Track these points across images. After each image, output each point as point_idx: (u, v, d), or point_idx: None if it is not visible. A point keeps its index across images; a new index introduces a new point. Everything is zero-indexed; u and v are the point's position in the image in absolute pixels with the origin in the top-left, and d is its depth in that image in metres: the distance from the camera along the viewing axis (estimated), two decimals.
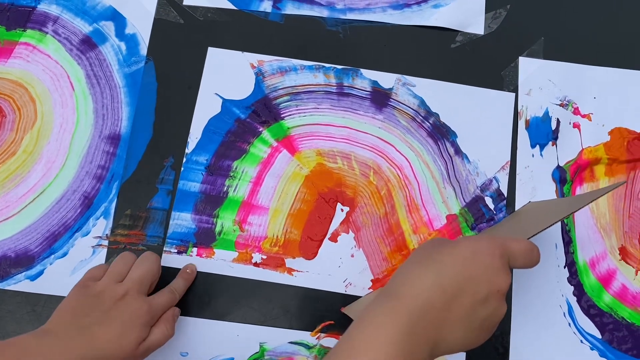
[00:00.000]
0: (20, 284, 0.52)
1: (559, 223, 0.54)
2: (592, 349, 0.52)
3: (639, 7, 0.61)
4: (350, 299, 0.52)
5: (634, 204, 0.55)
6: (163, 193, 0.54)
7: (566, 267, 0.54)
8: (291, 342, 0.51)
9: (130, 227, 0.53)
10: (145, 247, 0.53)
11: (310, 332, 0.51)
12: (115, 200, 0.54)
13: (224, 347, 0.51)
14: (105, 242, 0.53)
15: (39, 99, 0.56)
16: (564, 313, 0.53)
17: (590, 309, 0.53)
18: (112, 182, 0.54)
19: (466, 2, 0.60)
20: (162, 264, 0.52)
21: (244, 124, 0.56)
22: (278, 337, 0.51)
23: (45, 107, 0.56)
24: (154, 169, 0.55)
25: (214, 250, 0.53)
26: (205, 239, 0.53)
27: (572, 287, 0.53)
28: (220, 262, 0.53)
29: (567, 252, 0.54)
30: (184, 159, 0.55)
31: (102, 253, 0.53)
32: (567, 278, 0.53)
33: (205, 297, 0.52)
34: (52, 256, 0.52)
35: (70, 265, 0.52)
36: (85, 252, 0.53)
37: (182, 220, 0.54)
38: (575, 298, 0.53)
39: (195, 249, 0.53)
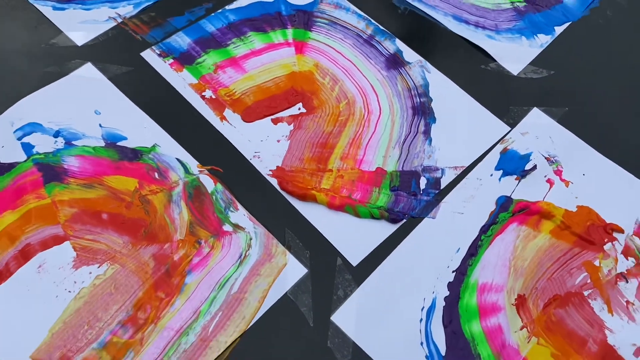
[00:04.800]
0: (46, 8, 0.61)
1: (477, 232, 0.50)
2: (427, 357, 0.45)
3: None
4: (248, 166, 0.53)
5: (560, 274, 0.49)
6: (185, 18, 0.62)
7: (454, 273, 0.48)
8: (177, 159, 0.52)
9: (145, 22, 0.61)
10: (142, 39, 0.60)
11: (198, 164, 0.52)
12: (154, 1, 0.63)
13: (128, 125, 0.54)
14: (119, 20, 0.61)
15: None
16: (423, 307, 0.47)
17: (451, 324, 0.46)
18: None
19: (519, 50, 0.63)
20: (145, 57, 0.58)
21: (280, 17, 0.63)
22: (172, 148, 0.53)
23: None
24: (193, 2, 0.63)
25: (184, 69, 0.58)
26: (184, 59, 0.59)
27: (448, 292, 0.48)
28: (180, 79, 0.57)
29: (464, 261, 0.49)
30: (220, 10, 0.63)
31: (109, 26, 0.60)
32: (449, 283, 0.48)
33: (146, 90, 0.56)
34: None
35: (81, 17, 0.61)
36: (102, 15, 0.61)
37: (181, 40, 0.60)
38: (444, 304, 0.47)
39: (172, 60, 0.58)
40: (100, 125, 0.54)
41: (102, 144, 0.53)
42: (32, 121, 0.53)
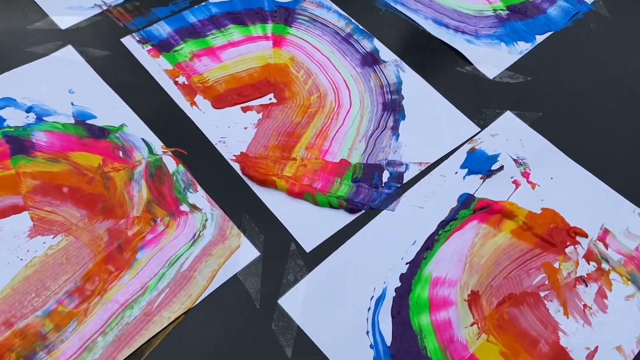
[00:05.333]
0: None
1: (435, 227, 0.50)
2: (371, 347, 0.44)
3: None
4: (213, 150, 0.53)
5: (518, 273, 0.48)
6: (168, 9, 0.63)
7: (408, 265, 0.48)
8: (143, 139, 0.53)
9: (129, 11, 0.63)
10: (124, 26, 0.61)
11: (163, 145, 0.53)
12: None
13: (99, 105, 0.55)
14: (104, 7, 0.63)
15: None
16: (373, 297, 0.46)
17: (400, 315, 0.45)
18: None
19: (497, 55, 0.63)
20: (125, 43, 0.60)
21: (261, 12, 0.64)
22: (140, 130, 0.53)
23: None
24: None
25: (161, 56, 0.59)
26: (162, 47, 0.60)
27: (400, 283, 0.47)
28: (156, 65, 0.58)
29: (419, 254, 0.49)
30: (204, 3, 0.64)
31: (94, 12, 0.62)
32: (402, 274, 0.47)
33: (121, 73, 0.57)
34: None
35: (68, 3, 0.62)
36: (88, 2, 0.63)
37: (162, 29, 0.61)
38: (394, 294, 0.46)
39: (150, 47, 0.60)
40: (72, 104, 0.55)
41: (72, 121, 0.54)
42: (7, 96, 0.54)
